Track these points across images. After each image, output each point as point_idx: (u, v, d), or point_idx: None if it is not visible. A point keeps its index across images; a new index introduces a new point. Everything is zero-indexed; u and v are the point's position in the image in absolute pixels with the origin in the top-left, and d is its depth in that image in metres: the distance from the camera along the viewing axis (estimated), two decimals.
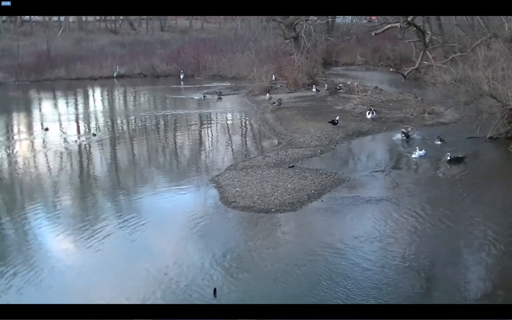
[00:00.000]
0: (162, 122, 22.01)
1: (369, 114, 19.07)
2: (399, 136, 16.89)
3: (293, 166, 14.07)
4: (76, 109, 27.21)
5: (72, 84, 34.38)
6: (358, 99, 22.80)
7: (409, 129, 17.10)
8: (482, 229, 10.20)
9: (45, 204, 12.41)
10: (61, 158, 16.75)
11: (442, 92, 20.15)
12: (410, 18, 19.66)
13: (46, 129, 20.30)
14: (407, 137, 16.66)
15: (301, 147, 16.18)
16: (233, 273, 8.69)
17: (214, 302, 7.87)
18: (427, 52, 22.77)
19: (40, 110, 26.76)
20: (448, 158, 14.14)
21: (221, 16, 48.82)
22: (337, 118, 18.43)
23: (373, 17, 37.47)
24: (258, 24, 31.37)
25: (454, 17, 27.61)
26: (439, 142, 16.06)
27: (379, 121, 18.80)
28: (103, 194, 13.11)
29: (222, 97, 25.92)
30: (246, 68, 29.48)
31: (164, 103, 26.54)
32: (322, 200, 11.76)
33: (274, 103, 22.43)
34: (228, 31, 41.69)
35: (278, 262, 9.01)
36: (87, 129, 21.09)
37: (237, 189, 12.38)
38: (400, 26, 21.46)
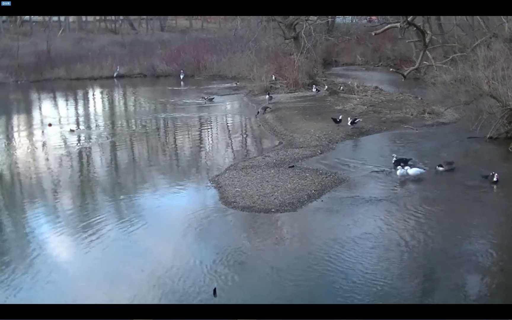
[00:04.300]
0: (161, 123, 22.00)
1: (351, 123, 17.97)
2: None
3: (293, 166, 14.06)
4: (76, 109, 27.26)
5: (72, 84, 34.44)
6: (358, 99, 22.79)
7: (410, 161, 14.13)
8: (481, 229, 10.21)
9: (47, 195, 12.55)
10: (61, 156, 16.76)
11: (442, 92, 20.12)
12: (410, 18, 19.65)
13: (50, 125, 21.23)
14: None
15: (301, 147, 16.18)
16: (233, 273, 8.68)
17: (214, 302, 7.86)
18: (427, 52, 22.75)
19: (40, 110, 26.81)
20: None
21: (221, 16, 48.87)
22: (340, 117, 18.46)
23: (373, 17, 37.56)
24: (258, 24, 31.35)
25: (454, 17, 27.62)
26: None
27: (373, 121, 18.54)
28: (101, 194, 13.10)
29: (212, 99, 25.70)
30: (246, 68, 29.49)
31: (162, 103, 26.48)
32: (322, 200, 11.75)
33: (258, 113, 21.54)
34: (228, 31, 41.69)
35: (278, 262, 9.00)
36: (83, 127, 21.18)
37: (237, 189, 12.38)
38: (400, 26, 21.45)
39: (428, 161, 14.16)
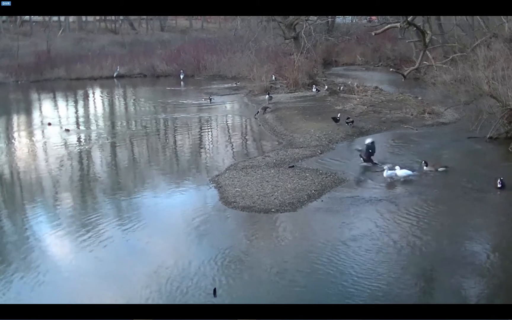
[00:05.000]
0: (161, 123, 22.01)
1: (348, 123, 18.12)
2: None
3: (293, 166, 14.07)
4: (76, 109, 27.26)
5: (72, 84, 34.43)
6: (358, 99, 22.79)
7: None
8: (481, 230, 10.21)
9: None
10: (55, 155, 16.75)
11: (442, 92, 20.13)
12: (410, 18, 19.65)
13: (49, 124, 21.40)
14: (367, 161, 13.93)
15: (301, 147, 16.18)
16: (233, 273, 8.68)
17: (214, 302, 7.86)
18: (427, 52, 22.74)
19: (40, 110, 26.83)
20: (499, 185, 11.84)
21: (221, 16, 48.87)
22: (338, 116, 18.59)
23: (373, 17, 37.55)
24: (258, 24, 31.35)
25: (454, 17, 27.62)
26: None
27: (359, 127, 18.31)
28: (100, 194, 13.08)
29: (213, 99, 25.76)
30: (246, 68, 29.49)
31: (162, 103, 26.44)
32: (322, 200, 11.75)
33: (258, 113, 21.50)
34: (228, 31, 41.70)
35: (278, 262, 9.00)
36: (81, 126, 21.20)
37: (237, 189, 12.38)
38: (400, 26, 21.43)
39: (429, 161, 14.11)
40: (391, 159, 14.18)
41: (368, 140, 14.26)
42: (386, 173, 12.78)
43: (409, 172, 12.86)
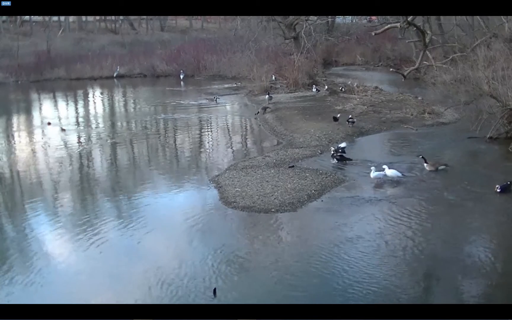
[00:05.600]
0: (160, 123, 22.00)
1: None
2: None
3: (293, 166, 14.07)
4: (76, 109, 27.26)
5: (72, 84, 34.45)
6: (358, 99, 22.80)
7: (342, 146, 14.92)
8: (481, 228, 10.21)
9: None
10: (61, 155, 16.76)
11: (442, 92, 20.14)
12: (410, 18, 19.66)
13: (49, 124, 21.43)
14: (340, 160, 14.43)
15: (301, 147, 16.18)
16: (233, 273, 8.68)
17: (214, 302, 7.87)
18: (427, 52, 22.75)
19: (40, 110, 26.84)
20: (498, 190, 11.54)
21: (221, 16, 48.89)
22: (338, 115, 18.73)
23: (373, 17, 37.57)
24: (258, 24, 31.37)
25: (454, 17, 27.63)
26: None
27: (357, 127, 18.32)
28: (100, 194, 13.07)
29: (219, 99, 25.82)
30: (246, 68, 29.50)
31: (162, 103, 26.45)
32: (322, 200, 11.75)
33: (257, 113, 21.56)
34: (228, 31, 41.73)
35: (277, 262, 9.00)
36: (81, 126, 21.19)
37: (237, 189, 12.38)
38: (400, 26, 21.45)
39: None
40: (391, 159, 14.16)
41: (341, 144, 14.99)
42: (372, 174, 12.64)
43: (399, 173, 12.73)
